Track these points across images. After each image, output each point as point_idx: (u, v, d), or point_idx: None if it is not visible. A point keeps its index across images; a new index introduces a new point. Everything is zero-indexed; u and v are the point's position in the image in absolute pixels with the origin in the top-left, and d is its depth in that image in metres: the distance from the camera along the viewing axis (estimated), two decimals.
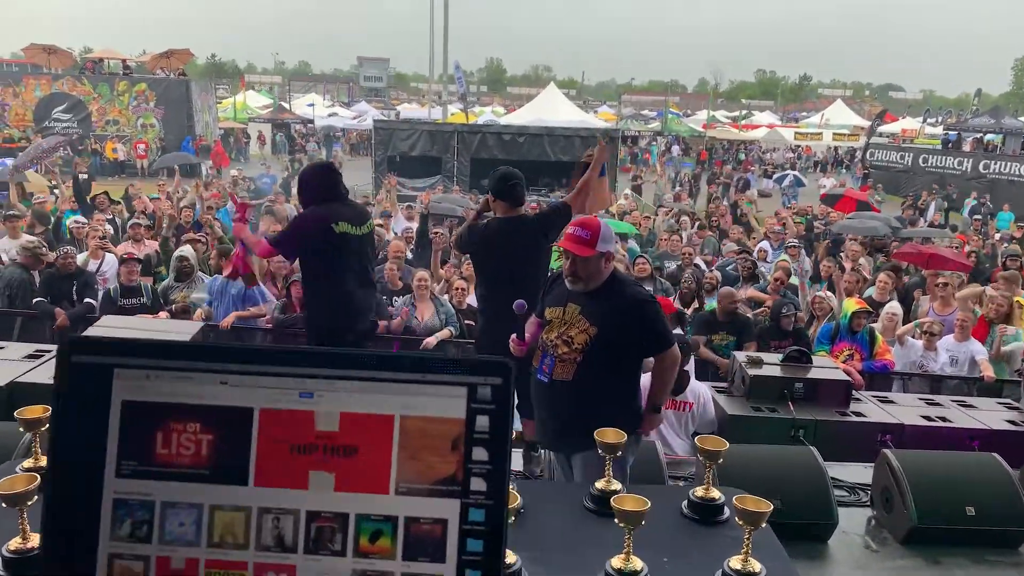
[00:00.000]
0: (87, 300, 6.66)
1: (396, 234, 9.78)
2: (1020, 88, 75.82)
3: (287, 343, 6.06)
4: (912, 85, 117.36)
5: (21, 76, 27.66)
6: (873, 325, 6.48)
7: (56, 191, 13.18)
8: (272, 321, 6.52)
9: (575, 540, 2.23)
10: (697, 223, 12.88)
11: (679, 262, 9.05)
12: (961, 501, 3.29)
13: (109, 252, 7.99)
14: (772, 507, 1.89)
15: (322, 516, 1.14)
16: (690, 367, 4.96)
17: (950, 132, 32.79)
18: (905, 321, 6.96)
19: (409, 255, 8.37)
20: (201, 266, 7.66)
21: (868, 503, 3.68)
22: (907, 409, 5.13)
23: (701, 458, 2.26)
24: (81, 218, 10.24)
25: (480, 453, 1.14)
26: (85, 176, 16.87)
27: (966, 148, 29.31)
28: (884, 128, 37.94)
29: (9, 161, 16.46)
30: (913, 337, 6.62)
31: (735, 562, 1.84)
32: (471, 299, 6.60)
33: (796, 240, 10.63)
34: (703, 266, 9.20)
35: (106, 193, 12.07)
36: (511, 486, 2.26)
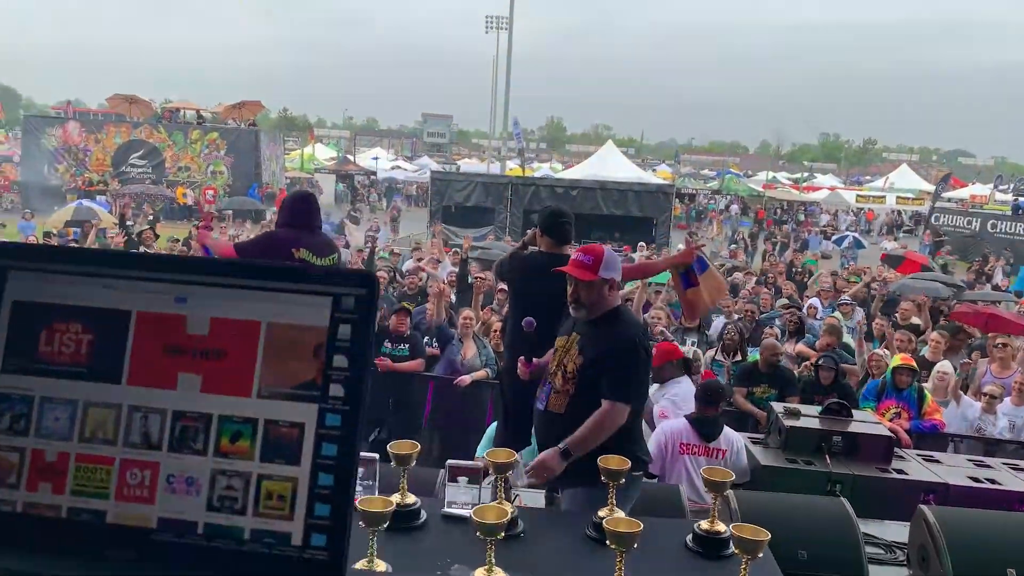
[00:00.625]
0: None
1: (441, 280, 9.96)
2: None
3: None
4: (983, 151, 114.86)
5: (104, 124, 29.29)
6: (924, 385, 6.23)
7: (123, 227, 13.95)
8: None
9: (572, 566, 2.19)
10: (753, 279, 12.76)
11: (725, 318, 8.90)
12: (1003, 563, 3.07)
13: None
14: (769, 536, 1.82)
15: (187, 416, 1.18)
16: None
17: (1020, 198, 31.78)
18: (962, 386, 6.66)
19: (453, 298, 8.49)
20: None
21: (904, 562, 3.48)
22: (953, 469, 4.86)
23: (706, 489, 2.19)
24: None
25: (340, 360, 1.17)
26: (151, 217, 17.64)
27: None
28: (952, 194, 37.03)
29: (85, 202, 17.40)
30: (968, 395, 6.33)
31: None
32: None
33: (848, 298, 10.36)
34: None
35: (151, 229, 13.02)
36: (508, 508, 2.26)
